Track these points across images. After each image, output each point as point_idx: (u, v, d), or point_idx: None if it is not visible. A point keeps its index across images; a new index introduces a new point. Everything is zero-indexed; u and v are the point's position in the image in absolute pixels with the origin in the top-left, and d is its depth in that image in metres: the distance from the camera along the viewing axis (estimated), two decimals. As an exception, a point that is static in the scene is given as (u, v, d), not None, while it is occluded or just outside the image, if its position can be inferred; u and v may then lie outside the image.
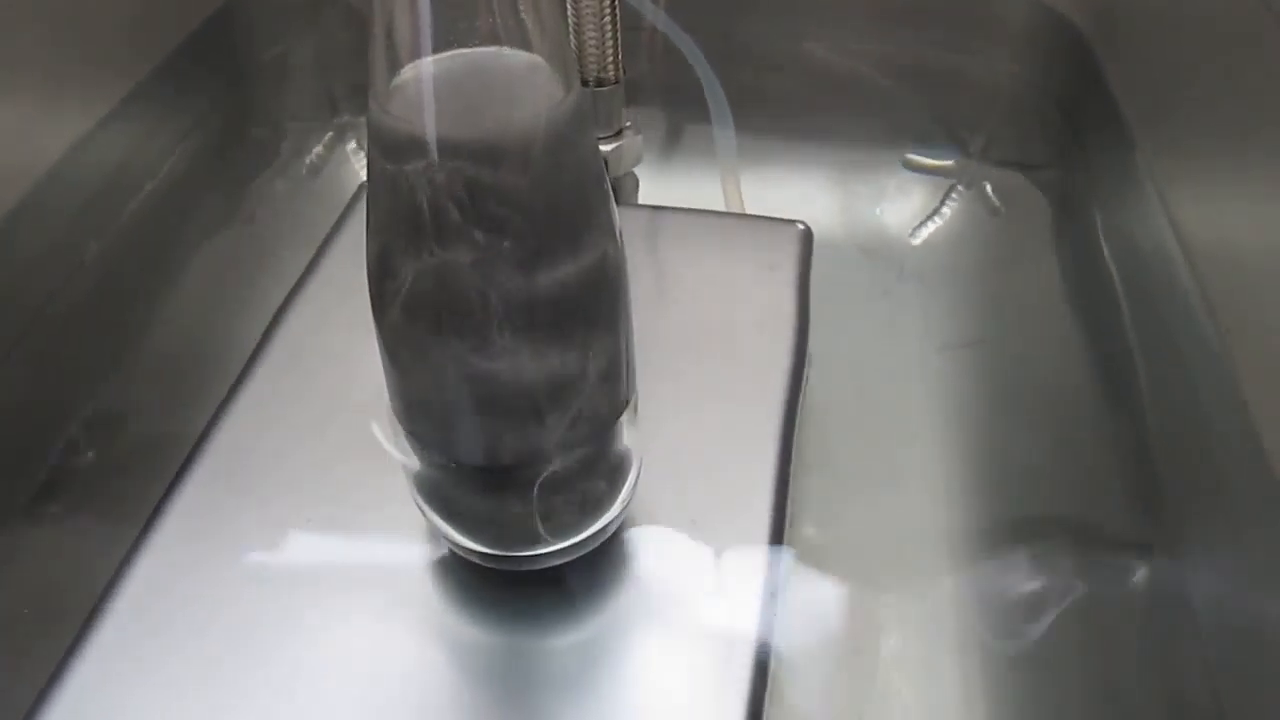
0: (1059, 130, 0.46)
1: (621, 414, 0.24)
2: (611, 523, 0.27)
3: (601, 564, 0.28)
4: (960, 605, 0.32)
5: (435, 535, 0.28)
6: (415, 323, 0.21)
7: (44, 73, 0.40)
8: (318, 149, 0.51)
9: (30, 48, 0.39)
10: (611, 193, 0.22)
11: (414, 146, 0.19)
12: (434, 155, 0.19)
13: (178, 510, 0.29)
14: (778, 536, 0.29)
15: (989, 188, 0.47)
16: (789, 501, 0.30)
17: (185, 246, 0.45)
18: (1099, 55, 0.44)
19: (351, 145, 0.51)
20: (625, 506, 0.27)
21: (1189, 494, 0.32)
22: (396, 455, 0.25)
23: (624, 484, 0.27)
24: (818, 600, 0.31)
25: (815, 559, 0.32)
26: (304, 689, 0.26)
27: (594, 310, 0.22)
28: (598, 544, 0.27)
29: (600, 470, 0.25)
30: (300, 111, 0.52)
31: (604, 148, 0.39)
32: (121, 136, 0.44)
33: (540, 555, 0.26)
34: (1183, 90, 0.38)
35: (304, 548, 0.29)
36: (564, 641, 0.27)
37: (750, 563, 0.28)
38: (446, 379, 0.22)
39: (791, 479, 0.30)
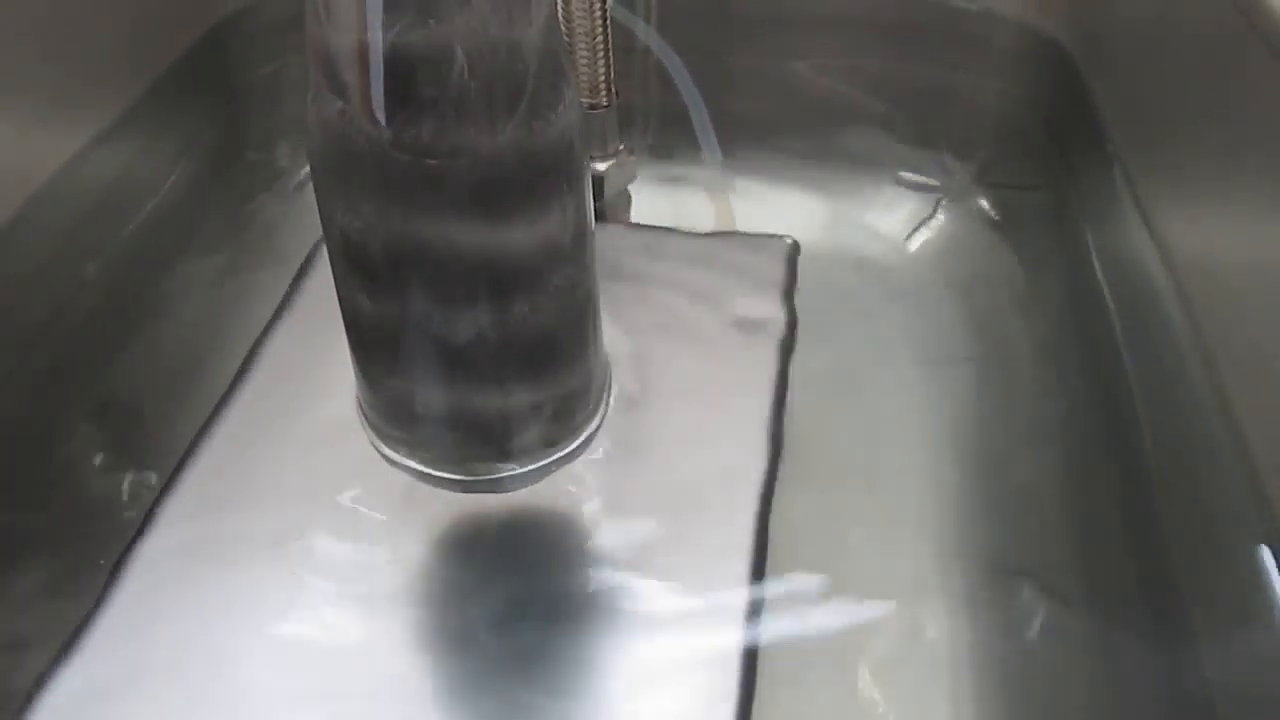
0: (1046, 150, 0.47)
1: (586, 303, 0.24)
2: (581, 444, 0.26)
3: (585, 578, 0.28)
4: (949, 620, 0.32)
5: (420, 538, 0.28)
6: (353, 185, 0.21)
7: (38, 90, 0.40)
8: (308, 168, 0.51)
9: (24, 65, 0.39)
10: (570, 74, 0.21)
11: (355, 55, 0.19)
12: (377, 57, 0.18)
13: (169, 516, 0.30)
14: (761, 551, 0.29)
15: (977, 206, 0.47)
16: (772, 516, 0.30)
17: (181, 264, 0.45)
18: (1086, 76, 0.44)
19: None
20: (598, 426, 0.27)
21: (1182, 512, 0.32)
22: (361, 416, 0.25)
23: (592, 405, 0.26)
24: (802, 617, 0.31)
25: (800, 575, 0.32)
26: (279, 685, 0.26)
27: (552, 174, 0.21)
28: (566, 465, 0.26)
29: (567, 377, 0.24)
30: (293, 131, 0.52)
31: (598, 167, 0.40)
32: (116, 156, 0.44)
33: (506, 478, 0.26)
34: (1169, 110, 0.38)
35: (290, 560, 0.29)
36: (549, 655, 0.27)
37: (734, 578, 0.28)
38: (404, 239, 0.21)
39: (776, 493, 0.30)
